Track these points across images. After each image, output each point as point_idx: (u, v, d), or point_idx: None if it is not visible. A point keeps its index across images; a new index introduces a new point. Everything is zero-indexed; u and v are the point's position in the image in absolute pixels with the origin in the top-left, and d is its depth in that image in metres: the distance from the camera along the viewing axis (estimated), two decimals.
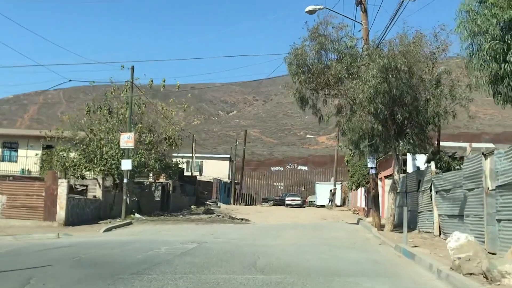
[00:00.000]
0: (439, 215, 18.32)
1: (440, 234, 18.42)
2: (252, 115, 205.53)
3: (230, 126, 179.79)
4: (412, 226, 22.56)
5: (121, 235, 20.39)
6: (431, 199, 18.79)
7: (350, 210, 49.78)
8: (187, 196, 44.74)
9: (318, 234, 19.81)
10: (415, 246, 15.03)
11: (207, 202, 46.90)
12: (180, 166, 36.57)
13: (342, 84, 19.63)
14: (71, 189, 31.41)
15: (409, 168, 26.87)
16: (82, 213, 25.05)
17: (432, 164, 18.64)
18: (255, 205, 64.27)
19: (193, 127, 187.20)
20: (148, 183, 36.17)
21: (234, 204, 57.59)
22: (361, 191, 42.62)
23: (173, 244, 15.29)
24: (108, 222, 25.33)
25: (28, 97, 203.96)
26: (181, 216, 32.60)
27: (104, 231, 21.70)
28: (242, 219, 31.36)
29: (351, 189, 40.94)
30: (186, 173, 52.32)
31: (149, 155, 30.82)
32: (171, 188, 38.98)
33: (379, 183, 34.40)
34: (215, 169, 59.46)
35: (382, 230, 20.47)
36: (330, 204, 55.92)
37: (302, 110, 21.88)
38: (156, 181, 37.63)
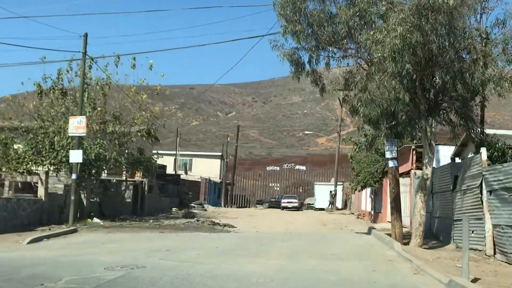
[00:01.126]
0: (495, 225, 12.38)
1: (495, 253, 12.49)
2: (251, 116, 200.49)
3: (229, 127, 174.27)
4: (443, 238, 16.65)
5: (47, 248, 14.54)
6: (481, 202, 12.87)
7: (353, 214, 43.82)
8: (168, 198, 38.80)
9: (317, 250, 13.84)
10: (476, 280, 9.11)
11: (192, 204, 40.96)
12: (154, 161, 30.53)
13: (354, 38, 13.70)
14: (16, 187, 25.71)
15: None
16: (13, 217, 19.10)
17: (483, 151, 12.65)
18: (248, 207, 58.40)
19: (191, 128, 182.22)
20: (114, 181, 30.18)
21: (224, 206, 51.67)
22: (366, 193, 36.66)
23: (90, 270, 9.76)
24: (47, 229, 19.42)
25: None
26: (152, 221, 26.70)
27: (29, 242, 15.80)
28: (225, 225, 25.46)
29: (355, 190, 35.04)
30: (171, 172, 46.40)
31: (112, 146, 24.86)
32: (146, 188, 33.03)
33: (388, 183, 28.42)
34: (205, 168, 53.58)
35: (406, 245, 14.58)
36: (330, 207, 49.92)
37: (297, 78, 15.95)
38: (128, 179, 31.66)
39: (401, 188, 25.27)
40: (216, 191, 54.47)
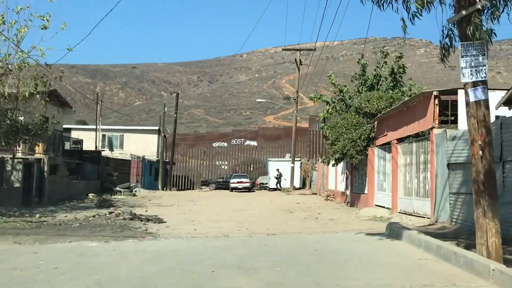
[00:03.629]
0: None
1: None
2: (197, 95, 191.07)
3: (174, 107, 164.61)
4: None
5: None
6: None
7: (315, 194, 35.84)
8: (85, 180, 29.36)
9: None
10: None
11: (117, 188, 31.69)
12: (51, 127, 21.03)
13: None
14: None
15: (462, 117, 12.63)
16: None
17: None
18: (192, 189, 49.55)
19: (134, 108, 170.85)
20: None
21: (163, 189, 42.60)
22: (336, 169, 28.56)
23: None
24: None
25: None
26: (39, 215, 17.63)
27: None
28: (149, 220, 16.66)
29: (328, 164, 26.81)
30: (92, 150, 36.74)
31: None
32: (46, 168, 23.60)
33: (377, 153, 20.28)
34: (140, 145, 44.25)
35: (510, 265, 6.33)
36: (278, 186, 41.75)
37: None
38: (19, 158, 22.18)
39: (400, 160, 17.15)
40: (152, 171, 45.20)
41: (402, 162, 16.92)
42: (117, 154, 40.64)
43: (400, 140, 17.28)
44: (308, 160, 45.29)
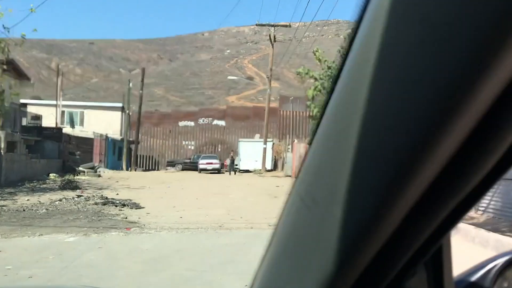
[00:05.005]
0: None
1: None
2: (157, 74, 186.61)
3: (133, 84, 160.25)
4: None
5: None
6: None
7: (290, 176, 34.41)
8: (45, 159, 26.87)
9: None
10: None
11: (80, 168, 29.27)
12: (5, 98, 18.55)
13: None
14: None
15: None
16: None
17: None
18: (157, 170, 47.32)
19: (92, 85, 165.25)
20: None
21: (127, 169, 40.28)
22: None
23: None
24: None
25: None
26: None
27: None
28: (124, 205, 14.80)
29: (310, 144, 25.26)
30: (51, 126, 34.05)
31: None
32: (3, 145, 21.12)
33: None
34: (102, 123, 41.60)
35: None
36: (230, 169, 39.81)
37: None
38: None
39: None
40: (116, 151, 42.66)
41: None
42: (77, 131, 38.01)
43: None
44: (280, 141, 43.82)
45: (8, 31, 17.17)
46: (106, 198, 16.43)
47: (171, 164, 46.53)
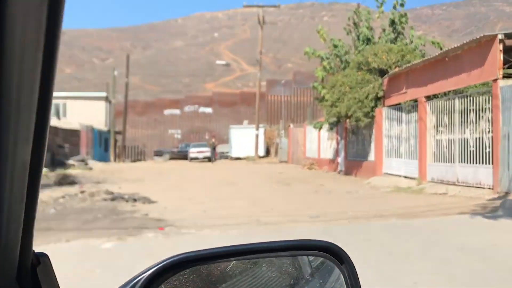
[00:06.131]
0: None
1: None
2: (131, 62, 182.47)
3: (108, 74, 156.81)
4: None
5: None
6: None
7: (286, 162, 33.41)
8: None
9: None
10: None
11: (70, 162, 27.72)
12: None
13: None
14: None
15: None
16: None
17: None
18: (144, 160, 45.78)
19: (65, 77, 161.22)
20: None
21: (115, 161, 38.74)
22: (320, 134, 26.17)
23: None
24: None
25: None
26: None
27: None
28: (136, 200, 13.63)
29: (320, 128, 24.09)
30: None
31: None
32: None
33: (386, 115, 17.98)
34: (86, 113, 39.77)
35: None
36: (211, 156, 38.39)
37: None
38: None
39: (440, 119, 14.82)
40: (102, 142, 41.00)
41: (433, 123, 14.62)
42: (62, 123, 36.23)
43: (428, 98, 14.94)
44: (270, 127, 42.78)
45: None
46: (112, 193, 15.16)
47: (159, 153, 45.11)
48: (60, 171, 23.72)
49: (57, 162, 26.86)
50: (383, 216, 9.74)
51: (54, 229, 8.77)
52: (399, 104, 16.93)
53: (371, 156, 19.04)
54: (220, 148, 42.94)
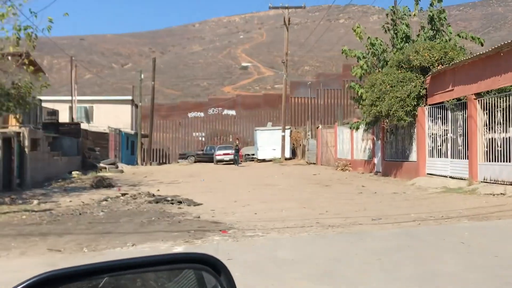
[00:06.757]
0: None
1: None
2: (150, 67, 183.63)
3: (127, 79, 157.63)
4: None
5: None
6: None
7: (315, 164, 32.91)
8: (65, 156, 25.17)
9: None
10: None
11: (101, 165, 27.57)
12: (36, 94, 16.94)
13: None
14: None
15: None
16: None
17: None
18: (169, 163, 45.59)
19: (85, 82, 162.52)
20: None
21: (142, 164, 38.59)
22: (352, 135, 25.68)
23: None
24: None
25: None
26: (37, 201, 13.87)
27: None
28: (180, 202, 13.32)
29: (357, 129, 23.52)
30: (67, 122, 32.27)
31: None
32: (27, 143, 19.44)
33: (427, 114, 17.45)
34: (111, 117, 39.67)
35: None
36: (235, 159, 37.18)
37: None
38: None
39: (479, 122, 14.28)
40: (129, 145, 40.93)
41: (484, 121, 14.08)
42: (90, 126, 36.19)
43: (477, 95, 14.40)
44: (295, 128, 42.34)
45: (36, 16, 15.42)
46: (153, 195, 14.91)
47: (183, 156, 44.94)
48: (92, 174, 23.58)
49: (88, 165, 26.75)
50: (450, 217, 9.26)
51: (113, 233, 8.45)
52: (443, 102, 16.40)
53: (413, 157, 18.52)
54: (245, 150, 42.57)
